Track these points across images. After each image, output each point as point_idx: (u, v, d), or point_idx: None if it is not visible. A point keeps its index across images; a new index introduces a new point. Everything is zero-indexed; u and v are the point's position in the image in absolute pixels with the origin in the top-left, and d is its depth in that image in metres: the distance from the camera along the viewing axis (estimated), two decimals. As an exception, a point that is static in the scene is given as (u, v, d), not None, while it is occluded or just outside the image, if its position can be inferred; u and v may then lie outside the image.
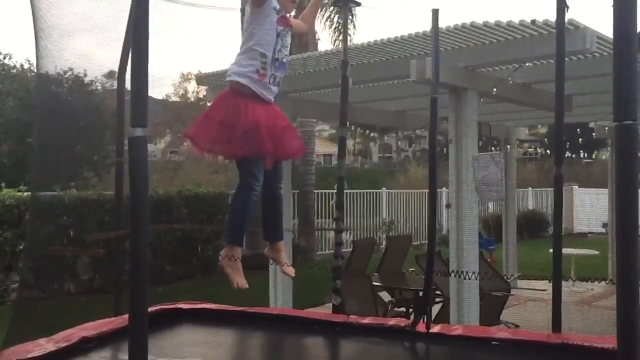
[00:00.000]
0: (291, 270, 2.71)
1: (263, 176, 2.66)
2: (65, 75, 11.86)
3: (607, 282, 2.91)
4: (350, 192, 12.86)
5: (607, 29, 1.45)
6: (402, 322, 2.97)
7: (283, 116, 2.77)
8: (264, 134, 2.54)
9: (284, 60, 2.67)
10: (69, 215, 8.74)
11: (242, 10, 12.54)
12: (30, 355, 2.30)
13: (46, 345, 2.45)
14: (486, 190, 2.96)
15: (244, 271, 2.74)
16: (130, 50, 1.61)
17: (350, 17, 15.24)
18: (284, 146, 2.67)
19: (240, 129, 2.52)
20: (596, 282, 2.53)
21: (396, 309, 6.43)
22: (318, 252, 12.48)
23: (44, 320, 5.45)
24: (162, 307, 3.11)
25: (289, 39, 2.69)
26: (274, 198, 2.81)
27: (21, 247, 8.06)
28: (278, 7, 2.60)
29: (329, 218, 12.31)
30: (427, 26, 3.66)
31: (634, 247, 1.34)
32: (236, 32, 12.46)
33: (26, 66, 16.09)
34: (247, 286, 2.63)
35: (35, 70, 6.66)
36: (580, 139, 30.50)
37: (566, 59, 3.92)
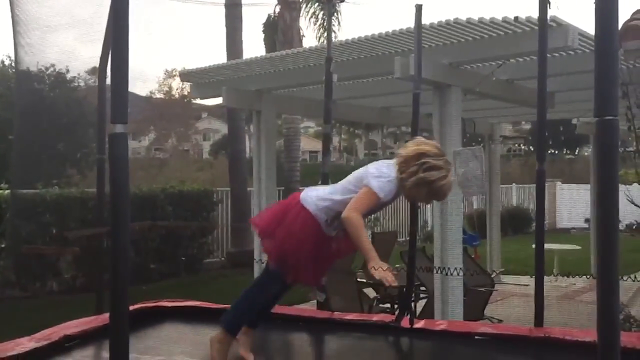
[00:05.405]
0: (250, 358, 2.56)
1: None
2: (47, 72, 11.74)
3: (588, 277, 2.94)
4: (335, 189, 12.80)
5: (589, 26, 1.47)
6: (387, 317, 2.98)
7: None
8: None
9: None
10: (51, 213, 8.65)
11: (225, 5, 12.48)
12: (9, 354, 2.27)
13: (27, 344, 2.42)
14: (468, 185, 2.98)
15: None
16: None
17: (334, 13, 15.23)
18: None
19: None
20: (578, 277, 2.56)
21: (381, 305, 6.45)
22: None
23: (26, 319, 5.40)
24: (144, 305, 3.09)
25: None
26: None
27: (2, 246, 7.96)
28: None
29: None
30: (411, 22, 3.67)
31: (615, 241, 1.35)
32: (220, 28, 12.37)
33: (7, 62, 15.87)
34: None
35: (18, 67, 6.57)
36: (563, 136, 30.78)
37: (549, 55, 3.95)
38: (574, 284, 8.81)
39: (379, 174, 2.41)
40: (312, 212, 2.45)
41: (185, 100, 38.33)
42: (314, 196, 2.50)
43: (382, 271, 2.25)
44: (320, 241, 2.49)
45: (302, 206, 2.47)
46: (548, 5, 3.30)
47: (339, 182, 2.56)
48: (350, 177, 2.51)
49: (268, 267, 2.63)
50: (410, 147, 2.42)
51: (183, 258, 10.24)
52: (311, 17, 15.55)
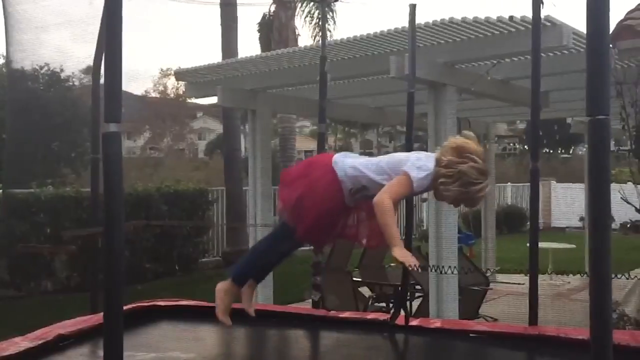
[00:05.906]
0: (251, 311, 2.61)
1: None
2: (42, 71, 11.71)
3: (582, 275, 2.95)
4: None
5: (583, 25, 1.47)
6: (382, 316, 2.99)
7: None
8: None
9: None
10: (46, 212, 8.62)
11: (220, 5, 12.46)
12: (3, 354, 2.26)
13: (21, 343, 2.41)
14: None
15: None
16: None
17: (329, 12, 15.21)
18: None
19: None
20: (571, 276, 2.56)
21: (376, 304, 6.45)
22: (300, 248, 12.48)
23: (20, 319, 5.38)
24: (139, 304, 3.08)
25: None
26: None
27: (-3, 246, 7.94)
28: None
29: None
30: (406, 22, 3.68)
31: (606, 240, 1.36)
32: (215, 27, 12.35)
33: (1, 62, 15.79)
34: (230, 324, 2.56)
35: (11, 66, 6.55)
36: (557, 135, 30.85)
37: (543, 55, 3.96)
38: (569, 282, 8.85)
39: (421, 165, 2.36)
40: (340, 177, 2.43)
41: (181, 99, 38.25)
42: (346, 162, 2.48)
43: (404, 254, 2.25)
44: (337, 207, 2.47)
45: (331, 167, 2.46)
46: (541, 5, 3.31)
47: (374, 159, 2.54)
48: (388, 158, 2.49)
49: (281, 223, 2.65)
50: (459, 140, 2.40)
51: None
52: (306, 16, 15.54)
